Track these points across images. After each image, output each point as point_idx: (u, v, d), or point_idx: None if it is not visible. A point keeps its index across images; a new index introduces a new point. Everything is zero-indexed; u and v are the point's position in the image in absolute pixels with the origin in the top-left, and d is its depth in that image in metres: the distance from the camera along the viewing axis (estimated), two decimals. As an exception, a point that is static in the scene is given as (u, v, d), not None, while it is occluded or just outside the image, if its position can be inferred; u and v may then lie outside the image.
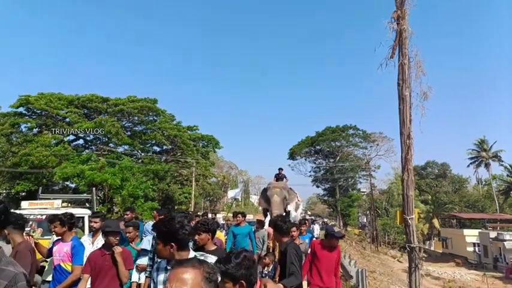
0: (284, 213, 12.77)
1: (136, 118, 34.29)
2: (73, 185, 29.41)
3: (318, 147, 53.46)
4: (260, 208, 17.81)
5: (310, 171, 55.73)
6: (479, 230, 37.27)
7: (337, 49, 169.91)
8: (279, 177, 14.90)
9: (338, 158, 51.94)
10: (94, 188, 21.92)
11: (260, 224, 9.43)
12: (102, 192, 28.48)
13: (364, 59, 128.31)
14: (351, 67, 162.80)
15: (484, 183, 57.94)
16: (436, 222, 49.34)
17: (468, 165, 56.85)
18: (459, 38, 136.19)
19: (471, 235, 37.24)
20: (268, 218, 12.98)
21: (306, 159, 55.87)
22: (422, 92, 6.58)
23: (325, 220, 62.96)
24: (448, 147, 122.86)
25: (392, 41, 7.01)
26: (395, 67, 6.96)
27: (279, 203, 13.15)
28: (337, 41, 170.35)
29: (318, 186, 57.01)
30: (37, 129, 31.24)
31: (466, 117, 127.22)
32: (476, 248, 36.39)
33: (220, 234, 7.90)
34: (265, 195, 14.04)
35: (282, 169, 15.15)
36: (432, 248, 45.36)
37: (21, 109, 30.52)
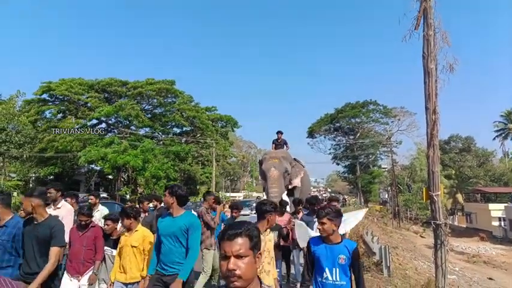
0: (286, 192, 10.69)
1: (155, 100, 34.62)
2: (98, 168, 30.27)
3: (338, 124, 52.77)
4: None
5: (329, 149, 55.35)
6: (505, 204, 36.45)
7: (358, 23, 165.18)
8: (278, 143, 12.07)
9: (358, 134, 51.23)
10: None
11: (214, 199, 6.49)
12: (126, 174, 29.27)
13: (387, 31, 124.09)
14: (371, 40, 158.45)
15: (510, 156, 56.27)
16: (459, 197, 48.48)
17: (494, 138, 55.36)
18: (482, 8, 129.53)
19: (496, 209, 36.55)
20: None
21: (325, 137, 55.38)
22: (448, 64, 6.33)
23: (345, 197, 62.92)
24: (473, 120, 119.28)
25: (416, 12, 6.73)
26: (419, 39, 6.70)
27: (277, 178, 10.53)
28: (358, 15, 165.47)
29: (338, 164, 56.66)
30: (60, 115, 32.13)
31: (492, 88, 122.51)
32: (502, 223, 35.73)
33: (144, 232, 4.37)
34: (260, 170, 11.30)
35: (281, 132, 12.17)
36: (456, 223, 44.83)
37: (44, 96, 31.32)
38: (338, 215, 3.09)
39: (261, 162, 11.45)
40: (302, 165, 11.73)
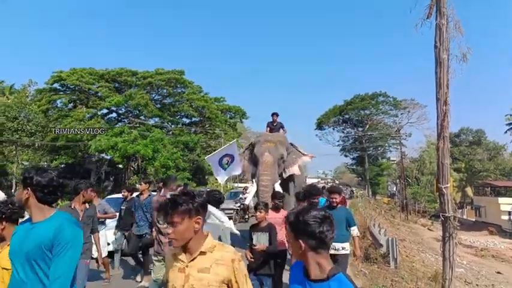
0: (279, 182, 9.28)
1: (164, 91, 34.82)
2: (108, 157, 30.63)
3: (347, 116, 52.47)
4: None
5: (338, 141, 55.13)
6: (516, 198, 36.17)
7: (368, 14, 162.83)
8: (274, 126, 10.68)
9: (367, 126, 50.92)
10: None
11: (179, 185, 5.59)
12: (136, 164, 29.56)
13: (397, 21, 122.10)
14: (380, 32, 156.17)
15: (522, 150, 55.47)
16: (469, 190, 48.13)
17: (505, 132, 54.43)
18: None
19: (506, 203, 36.24)
20: (254, 188, 9.57)
21: (334, 129, 55.11)
22: (462, 54, 6.22)
23: (353, 189, 62.74)
24: (484, 113, 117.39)
25: (429, 0, 6.61)
26: (431, 28, 6.58)
27: (271, 165, 9.04)
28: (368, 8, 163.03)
29: (346, 156, 56.53)
30: (71, 104, 32.53)
31: (505, 80, 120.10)
32: (511, 217, 35.47)
33: None
34: (251, 154, 9.78)
35: (277, 114, 10.78)
36: (465, 217, 44.54)
37: (55, 85, 31.67)
38: (307, 224, 1.51)
39: (253, 145, 9.98)
40: (299, 152, 10.15)
